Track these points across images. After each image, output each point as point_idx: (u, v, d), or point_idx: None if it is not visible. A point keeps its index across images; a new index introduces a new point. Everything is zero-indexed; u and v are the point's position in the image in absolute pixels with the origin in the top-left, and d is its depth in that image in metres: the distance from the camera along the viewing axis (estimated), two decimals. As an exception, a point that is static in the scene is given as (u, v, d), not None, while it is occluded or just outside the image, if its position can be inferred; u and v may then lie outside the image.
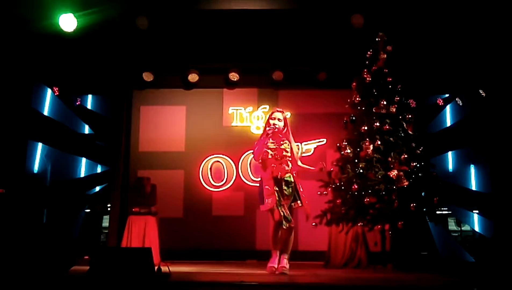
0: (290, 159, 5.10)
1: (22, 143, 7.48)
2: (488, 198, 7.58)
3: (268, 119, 5.26)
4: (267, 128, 5.13)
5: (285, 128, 5.21)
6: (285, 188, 5.00)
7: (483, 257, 7.02)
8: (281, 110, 5.33)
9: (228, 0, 6.96)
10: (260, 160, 5.12)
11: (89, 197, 8.90)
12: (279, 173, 5.00)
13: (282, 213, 4.88)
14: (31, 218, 7.51)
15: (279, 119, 5.17)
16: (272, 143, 5.10)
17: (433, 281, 4.62)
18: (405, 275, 5.21)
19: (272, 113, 5.27)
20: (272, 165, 5.03)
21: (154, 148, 8.27)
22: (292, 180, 5.06)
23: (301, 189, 5.12)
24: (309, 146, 8.18)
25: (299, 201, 5.06)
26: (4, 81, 7.00)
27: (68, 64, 7.61)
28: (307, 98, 8.30)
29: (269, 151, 5.06)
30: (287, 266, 5.03)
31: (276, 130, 5.12)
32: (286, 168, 5.04)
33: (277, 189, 4.96)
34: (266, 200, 4.97)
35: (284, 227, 4.88)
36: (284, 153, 5.07)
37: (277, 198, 4.92)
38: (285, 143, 5.14)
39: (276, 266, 5.02)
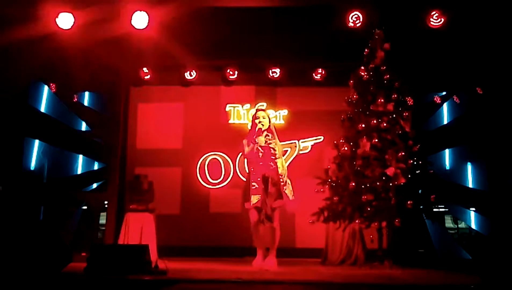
0: (277, 157, 5.10)
1: (19, 140, 7.46)
2: (485, 195, 7.61)
3: (253, 117, 5.24)
4: (257, 126, 5.11)
5: (269, 126, 5.23)
6: (271, 187, 4.99)
7: (480, 254, 7.04)
8: (264, 108, 5.36)
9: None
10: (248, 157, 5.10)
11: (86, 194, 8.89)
12: (266, 171, 4.99)
13: (265, 213, 4.89)
14: (27, 215, 7.49)
15: (263, 117, 5.17)
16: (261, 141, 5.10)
17: (430, 278, 4.64)
18: (402, 272, 5.23)
19: (257, 111, 5.27)
20: (260, 163, 5.02)
21: (152, 145, 8.25)
22: (276, 179, 5.04)
23: (287, 190, 5.08)
24: (307, 144, 8.19)
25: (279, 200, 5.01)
26: (1, 78, 6.98)
27: (65, 60, 7.57)
28: (304, 96, 8.29)
29: (259, 148, 5.05)
30: (275, 264, 5.05)
31: (264, 128, 5.14)
32: (273, 166, 5.04)
33: (263, 187, 4.95)
34: (252, 198, 4.95)
35: (266, 224, 4.89)
36: (272, 151, 5.07)
37: (262, 197, 4.92)
38: (272, 142, 5.13)
39: (260, 263, 5.02)
